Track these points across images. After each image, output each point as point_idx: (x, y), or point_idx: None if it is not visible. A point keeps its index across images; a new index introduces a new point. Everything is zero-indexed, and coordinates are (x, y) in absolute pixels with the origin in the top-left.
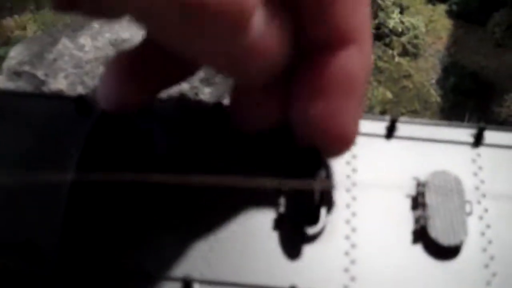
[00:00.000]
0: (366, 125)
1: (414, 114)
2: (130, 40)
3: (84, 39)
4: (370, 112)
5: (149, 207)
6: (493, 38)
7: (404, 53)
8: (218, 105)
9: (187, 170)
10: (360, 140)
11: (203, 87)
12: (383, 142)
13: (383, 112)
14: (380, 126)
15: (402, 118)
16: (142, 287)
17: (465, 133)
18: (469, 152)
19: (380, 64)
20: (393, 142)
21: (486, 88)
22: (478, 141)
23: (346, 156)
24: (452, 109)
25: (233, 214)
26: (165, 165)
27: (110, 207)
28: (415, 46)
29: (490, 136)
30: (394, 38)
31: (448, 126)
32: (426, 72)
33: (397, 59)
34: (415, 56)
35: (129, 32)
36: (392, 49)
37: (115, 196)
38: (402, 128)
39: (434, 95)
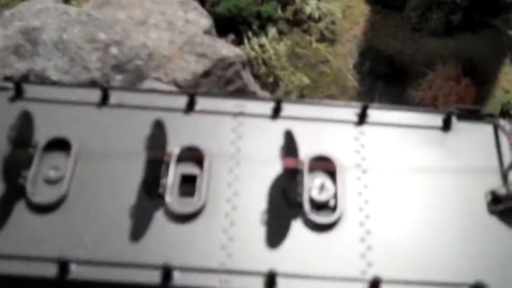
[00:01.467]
0: (253, 107)
1: (332, 98)
2: (41, 29)
3: None
4: (287, 97)
5: None
6: (409, 23)
7: (322, 39)
8: None
9: None
10: (246, 121)
11: (115, 75)
12: (269, 122)
13: (300, 97)
14: (267, 107)
15: (287, 99)
16: None
17: (350, 113)
18: (352, 130)
19: (298, 50)
20: (279, 122)
21: (402, 72)
22: (361, 119)
23: (231, 136)
24: (368, 93)
25: None
26: None
27: None
28: (332, 32)
29: (374, 114)
30: (312, 24)
31: (334, 106)
32: (344, 57)
33: (314, 45)
34: (332, 41)
35: (39, 21)
36: (310, 35)
37: None
38: (288, 109)
39: (351, 80)
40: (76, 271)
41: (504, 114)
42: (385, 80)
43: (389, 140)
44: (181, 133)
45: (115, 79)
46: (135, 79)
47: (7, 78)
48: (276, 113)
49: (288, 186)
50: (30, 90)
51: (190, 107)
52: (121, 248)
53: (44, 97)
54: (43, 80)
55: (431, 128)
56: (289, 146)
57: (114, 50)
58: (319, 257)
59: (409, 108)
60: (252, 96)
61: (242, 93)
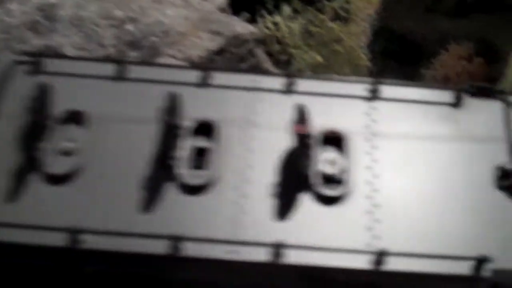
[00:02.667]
0: (266, 82)
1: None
2: (58, 5)
3: (13, 4)
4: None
5: None
6: (423, 3)
7: (336, 17)
8: None
9: None
10: (259, 96)
11: (129, 51)
12: (282, 97)
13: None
14: (279, 82)
15: (300, 75)
16: None
17: (362, 88)
18: (364, 105)
19: (312, 28)
20: (291, 96)
21: (415, 51)
22: (373, 95)
23: (244, 110)
24: (381, 72)
25: None
26: None
27: None
28: (346, 11)
29: (386, 90)
30: (326, 3)
31: (346, 82)
32: (357, 36)
33: (328, 23)
34: (346, 21)
35: None
36: (324, 14)
37: None
38: (300, 84)
39: (364, 59)
40: (88, 241)
41: None
42: (397, 59)
43: (400, 115)
44: (195, 107)
45: (130, 55)
46: (149, 56)
47: (25, 53)
48: (289, 88)
49: (298, 159)
50: (48, 63)
51: (204, 82)
52: (132, 218)
53: (62, 70)
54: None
55: (442, 104)
56: (300, 116)
57: (129, 26)
58: (326, 229)
59: (421, 84)
60: (265, 71)
61: (256, 69)
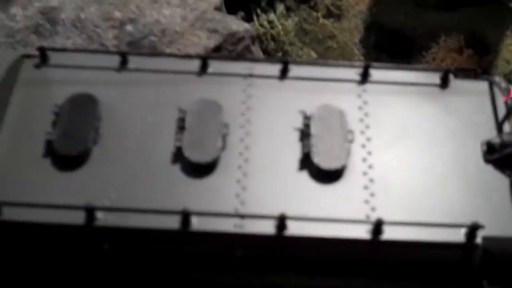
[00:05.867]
0: (261, 68)
1: None
2: (59, 8)
3: (15, 9)
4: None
5: None
6: None
7: (328, 14)
8: None
9: None
10: (255, 82)
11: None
12: (277, 82)
13: None
14: (274, 69)
15: (293, 60)
16: None
17: (353, 72)
18: (355, 88)
19: (305, 26)
20: (286, 82)
21: (406, 46)
22: (364, 78)
23: (242, 96)
24: None
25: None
26: None
27: None
28: (338, 7)
29: (376, 73)
30: (319, 0)
31: (338, 66)
32: (350, 32)
33: (321, 20)
34: (338, 17)
35: (57, 1)
36: (317, 11)
37: None
38: (295, 69)
39: (357, 54)
40: (101, 218)
41: None
42: (389, 53)
43: (390, 96)
44: (195, 93)
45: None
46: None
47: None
48: (283, 74)
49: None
50: (54, 56)
51: (203, 70)
52: (143, 196)
53: (68, 63)
54: None
55: (430, 85)
56: None
57: (129, 27)
58: (326, 202)
59: (409, 66)
60: (260, 59)
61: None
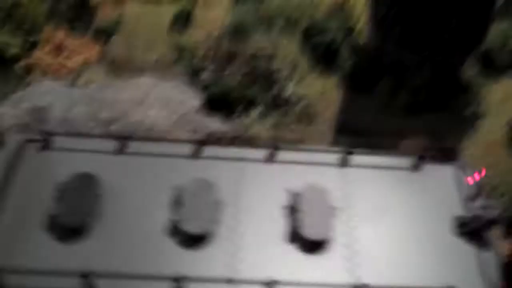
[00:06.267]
0: (251, 153)
1: None
2: (46, 108)
3: (5, 109)
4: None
5: None
6: (380, 100)
7: (300, 119)
8: None
9: None
10: (246, 165)
11: None
12: (265, 166)
13: None
14: (262, 153)
15: (283, 146)
16: None
17: (335, 157)
18: (338, 171)
19: (277, 132)
20: (274, 166)
21: (374, 146)
22: (344, 162)
23: (233, 178)
24: None
25: None
26: None
27: None
28: (308, 114)
29: (355, 158)
30: (290, 107)
31: (321, 152)
32: (320, 136)
33: (292, 126)
34: (310, 122)
35: (46, 101)
36: (288, 116)
37: None
38: (282, 155)
39: None
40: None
41: None
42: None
43: (369, 179)
44: (189, 174)
45: None
46: None
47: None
48: (271, 158)
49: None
50: (57, 140)
51: (196, 154)
52: (139, 265)
53: (69, 146)
54: None
55: (403, 169)
56: None
57: (114, 126)
58: (313, 271)
59: (385, 152)
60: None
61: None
